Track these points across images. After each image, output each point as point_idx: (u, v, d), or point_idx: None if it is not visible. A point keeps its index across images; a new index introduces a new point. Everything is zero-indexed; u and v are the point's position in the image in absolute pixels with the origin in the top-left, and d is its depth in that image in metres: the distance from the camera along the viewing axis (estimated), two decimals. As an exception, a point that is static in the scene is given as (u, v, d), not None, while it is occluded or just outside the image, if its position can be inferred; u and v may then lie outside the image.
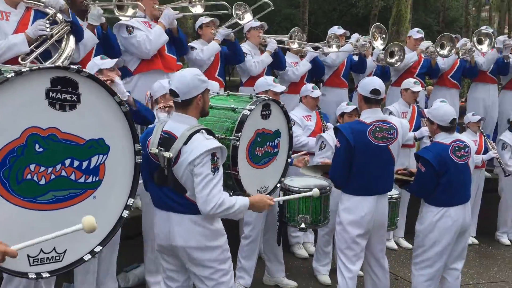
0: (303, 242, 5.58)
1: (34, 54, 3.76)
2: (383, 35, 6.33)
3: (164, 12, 4.80)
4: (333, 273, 4.67)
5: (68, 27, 3.98)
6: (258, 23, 5.71)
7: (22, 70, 2.02)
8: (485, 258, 5.91)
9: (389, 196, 4.14)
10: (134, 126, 2.48)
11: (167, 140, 2.80)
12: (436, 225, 3.85)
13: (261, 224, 4.47)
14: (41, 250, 2.19)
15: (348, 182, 3.83)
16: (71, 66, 2.22)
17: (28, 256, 2.16)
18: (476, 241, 6.28)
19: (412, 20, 14.51)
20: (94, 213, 2.27)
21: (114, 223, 2.47)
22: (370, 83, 3.87)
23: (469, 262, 5.41)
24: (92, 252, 2.38)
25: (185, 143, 2.73)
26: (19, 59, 3.71)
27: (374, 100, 3.83)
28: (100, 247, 2.40)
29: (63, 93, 2.15)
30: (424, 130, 5.38)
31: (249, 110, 3.13)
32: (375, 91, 3.79)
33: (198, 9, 5.21)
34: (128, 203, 2.51)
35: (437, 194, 3.85)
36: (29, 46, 3.76)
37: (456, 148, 3.87)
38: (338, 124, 4.54)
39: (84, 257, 2.36)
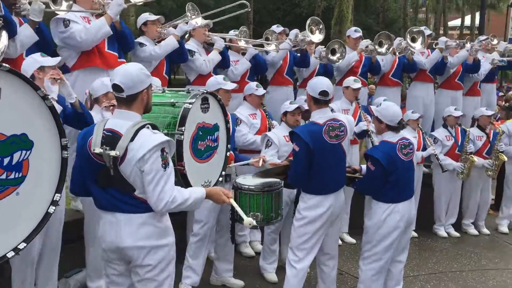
0: (250, 240, 5.59)
1: None
2: (320, 27, 6.43)
3: (112, 2, 4.60)
4: (279, 270, 4.72)
5: (0, 21, 3.76)
6: (204, 22, 5.65)
7: None
8: (424, 251, 6.15)
9: None
10: (60, 121, 2.42)
11: (111, 138, 2.69)
12: (386, 220, 3.98)
13: (212, 222, 4.45)
14: None
15: (308, 183, 3.89)
16: None
17: None
18: (415, 234, 6.50)
19: (353, 21, 14.88)
20: (17, 210, 2.27)
21: (40, 219, 2.44)
22: (318, 84, 3.92)
23: (410, 255, 5.54)
24: (15, 249, 2.32)
25: (132, 139, 2.64)
26: None
27: (323, 101, 3.91)
28: (25, 244, 2.35)
29: None
30: (362, 124, 5.52)
31: (189, 103, 3.08)
32: (324, 93, 3.87)
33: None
34: (54, 199, 2.48)
35: (386, 191, 3.98)
36: None
37: (402, 146, 4.02)
38: (293, 128, 4.49)
39: (7, 255, 2.30)
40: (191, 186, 3.01)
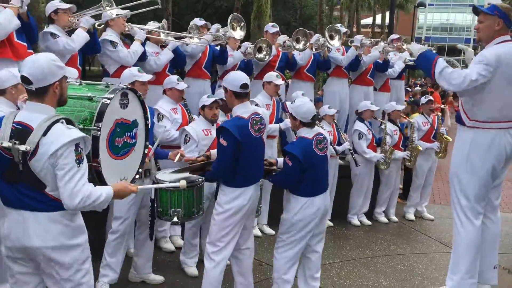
0: (170, 235, 5.55)
1: None
2: (242, 24, 6.51)
3: None
4: (200, 264, 4.73)
5: None
6: (123, 12, 5.47)
7: None
8: (339, 239, 6.43)
9: None
10: None
11: (21, 132, 2.56)
12: (302, 213, 4.13)
13: (132, 218, 4.36)
14: None
15: (232, 176, 3.90)
16: None
17: None
18: (331, 224, 6.78)
19: (272, 16, 15.09)
20: None
21: None
22: (237, 78, 3.94)
23: (325, 244, 5.72)
24: None
25: (44, 134, 2.53)
26: None
27: (244, 94, 3.94)
28: None
29: None
30: (288, 121, 5.67)
31: (108, 98, 2.99)
32: (245, 86, 3.92)
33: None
34: None
35: (302, 186, 4.12)
36: None
37: (318, 142, 4.16)
38: (222, 122, 4.49)
39: None
40: (106, 184, 2.92)
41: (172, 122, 5.07)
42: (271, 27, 6.96)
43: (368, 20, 38.11)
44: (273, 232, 6.14)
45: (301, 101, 4.29)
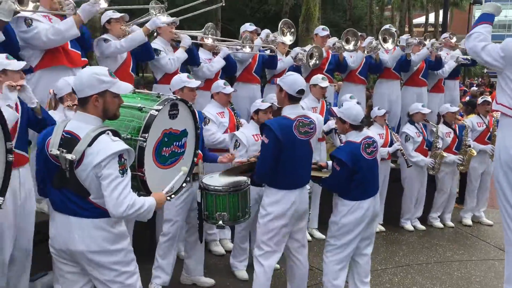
0: (220, 238, 5.59)
1: None
2: (292, 30, 6.53)
3: (85, 6, 4.47)
4: (250, 268, 4.74)
5: None
6: (170, 19, 5.59)
7: None
8: (392, 244, 6.27)
9: None
10: (7, 125, 2.37)
11: (69, 140, 2.66)
12: (349, 217, 4.06)
13: (181, 221, 4.42)
14: None
15: (274, 177, 3.87)
16: None
17: None
18: (383, 228, 6.64)
19: (321, 18, 15.00)
20: None
21: None
22: (297, 82, 3.91)
23: (377, 249, 5.70)
24: None
25: (89, 144, 2.61)
26: None
27: (298, 98, 3.94)
28: None
29: None
30: (331, 123, 5.61)
31: (156, 110, 3.02)
32: (301, 91, 3.91)
33: (102, 3, 4.88)
34: None
35: (351, 190, 4.06)
36: None
37: (366, 145, 4.09)
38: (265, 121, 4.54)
39: None
40: (150, 192, 2.98)
41: (219, 125, 5.13)
42: (322, 30, 6.92)
43: (420, 20, 37.17)
44: (323, 236, 6.04)
45: (349, 104, 4.23)
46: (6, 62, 3.40)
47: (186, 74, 4.57)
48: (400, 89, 7.37)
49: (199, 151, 3.87)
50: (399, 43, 7.02)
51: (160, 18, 5.33)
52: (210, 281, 4.74)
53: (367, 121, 6.57)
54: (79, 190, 2.68)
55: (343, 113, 4.15)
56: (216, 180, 4.13)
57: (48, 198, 2.86)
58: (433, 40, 7.33)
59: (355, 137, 4.12)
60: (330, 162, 4.38)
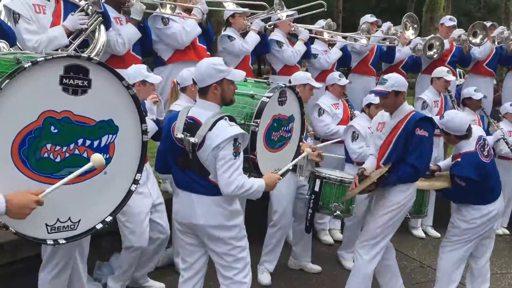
0: (330, 228, 5.65)
1: (72, 46, 3.92)
2: (415, 25, 6.34)
3: (200, 6, 4.94)
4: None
5: (100, 18, 4.11)
6: (289, 13, 5.78)
7: (38, 59, 2.17)
8: (515, 249, 5.86)
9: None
10: (141, 108, 2.62)
11: (192, 125, 2.94)
12: (478, 221, 3.92)
13: (289, 210, 4.55)
14: (58, 219, 2.38)
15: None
16: (82, 54, 2.39)
17: (46, 224, 2.35)
18: (507, 232, 6.20)
19: (451, 6, 14.17)
20: (105, 187, 2.51)
21: (123, 196, 2.64)
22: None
23: (499, 252, 5.37)
24: (103, 222, 2.56)
25: (210, 129, 2.87)
26: (59, 51, 3.87)
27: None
28: (111, 217, 2.58)
29: (75, 79, 2.30)
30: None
31: (267, 97, 3.23)
32: None
33: (229, 6, 5.27)
34: (136, 178, 2.66)
35: (477, 197, 3.89)
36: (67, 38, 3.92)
37: (481, 149, 3.91)
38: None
39: (96, 226, 2.53)
40: (261, 174, 3.20)
41: (333, 117, 5.18)
42: (448, 20, 6.62)
43: None
44: (438, 234, 5.85)
45: (451, 115, 4.02)
46: (146, 74, 3.81)
47: (310, 74, 4.74)
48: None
49: (304, 141, 3.98)
50: None
51: (261, 22, 5.55)
52: (317, 268, 4.83)
53: (497, 117, 6.16)
54: (200, 170, 2.96)
55: (445, 126, 3.95)
56: (336, 172, 4.22)
57: (173, 178, 3.20)
58: None
59: (467, 146, 3.90)
60: (441, 164, 4.24)
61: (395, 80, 3.76)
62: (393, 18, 6.54)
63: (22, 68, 2.13)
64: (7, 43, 3.33)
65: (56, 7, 4.06)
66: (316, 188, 4.21)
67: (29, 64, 2.14)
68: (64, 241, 2.41)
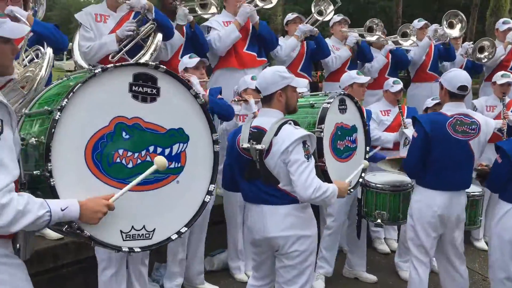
0: (386, 237, 5.55)
1: (121, 52, 4.12)
2: (459, 17, 6.21)
3: (240, 9, 5.02)
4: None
5: (153, 25, 4.26)
6: (339, 18, 5.78)
7: (108, 66, 2.28)
8: None
9: (470, 193, 4.01)
10: (211, 117, 2.64)
11: (257, 134, 2.94)
12: (502, 222, 3.59)
13: (344, 216, 4.55)
14: (132, 227, 2.40)
15: (423, 174, 3.72)
16: (150, 63, 2.44)
17: (121, 231, 2.37)
18: None
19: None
20: (178, 197, 2.50)
21: (198, 207, 2.60)
22: (457, 78, 3.68)
23: None
24: (178, 233, 2.51)
25: (276, 134, 2.86)
26: (109, 58, 4.09)
27: (460, 95, 3.70)
28: (186, 229, 2.56)
29: (144, 87, 2.37)
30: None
31: (328, 103, 3.25)
32: (463, 88, 3.65)
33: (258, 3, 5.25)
34: (209, 189, 2.63)
35: (508, 188, 3.60)
36: (119, 45, 4.13)
37: None
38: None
39: (171, 237, 2.50)
40: (331, 182, 3.10)
41: (379, 123, 5.11)
42: (502, 24, 6.39)
43: None
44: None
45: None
46: (187, 61, 3.98)
47: (355, 71, 4.68)
48: None
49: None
50: None
51: (307, 25, 5.58)
52: (372, 277, 4.77)
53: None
54: (269, 179, 2.90)
55: None
56: (378, 178, 4.16)
57: (241, 193, 3.18)
58: None
59: None
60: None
61: None
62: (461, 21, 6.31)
63: (93, 74, 2.24)
64: (45, 49, 3.48)
65: (125, 16, 4.28)
66: (359, 195, 4.15)
67: (99, 70, 2.24)
68: (139, 250, 2.41)
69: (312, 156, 2.88)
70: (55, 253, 3.71)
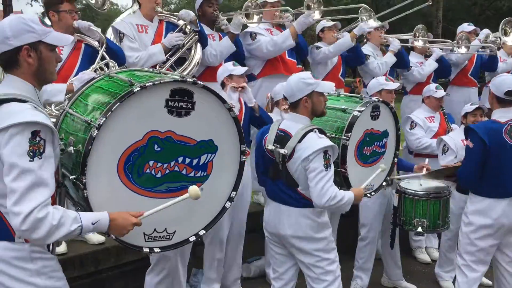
0: (426, 246, 5.42)
1: (169, 63, 4.24)
2: None
3: (300, 18, 4.98)
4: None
5: (196, 36, 4.41)
6: (378, 24, 5.71)
7: (147, 84, 2.32)
8: None
9: None
10: (241, 129, 2.69)
11: (283, 137, 3.04)
12: None
13: (378, 225, 4.50)
14: (155, 229, 2.50)
15: (479, 183, 3.63)
16: (188, 79, 2.48)
17: (144, 233, 2.47)
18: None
19: None
20: (200, 202, 2.54)
21: (218, 212, 2.70)
22: (505, 83, 3.61)
23: None
24: (196, 235, 2.64)
25: (299, 141, 2.95)
26: (157, 67, 4.16)
27: (508, 101, 3.62)
28: (204, 231, 2.67)
29: (180, 102, 2.42)
30: None
31: (359, 111, 3.25)
32: (510, 93, 3.58)
33: (316, 15, 5.26)
34: (231, 196, 2.72)
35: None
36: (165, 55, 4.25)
37: None
38: (469, 124, 4.31)
39: (189, 238, 2.62)
40: (351, 187, 3.20)
41: (426, 130, 5.00)
42: None
43: None
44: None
45: None
46: (232, 68, 3.97)
47: (383, 78, 4.60)
48: None
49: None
50: None
51: (368, 23, 5.48)
52: (412, 286, 4.66)
53: None
54: (290, 181, 3.04)
55: None
56: (415, 185, 4.07)
57: (264, 188, 3.33)
58: None
59: None
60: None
61: None
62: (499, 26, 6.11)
63: (131, 92, 2.29)
64: (114, 62, 3.67)
65: (159, 27, 4.43)
66: (395, 203, 4.08)
67: (138, 88, 2.30)
68: (158, 250, 2.54)
69: (332, 165, 2.96)
70: (96, 257, 3.80)
